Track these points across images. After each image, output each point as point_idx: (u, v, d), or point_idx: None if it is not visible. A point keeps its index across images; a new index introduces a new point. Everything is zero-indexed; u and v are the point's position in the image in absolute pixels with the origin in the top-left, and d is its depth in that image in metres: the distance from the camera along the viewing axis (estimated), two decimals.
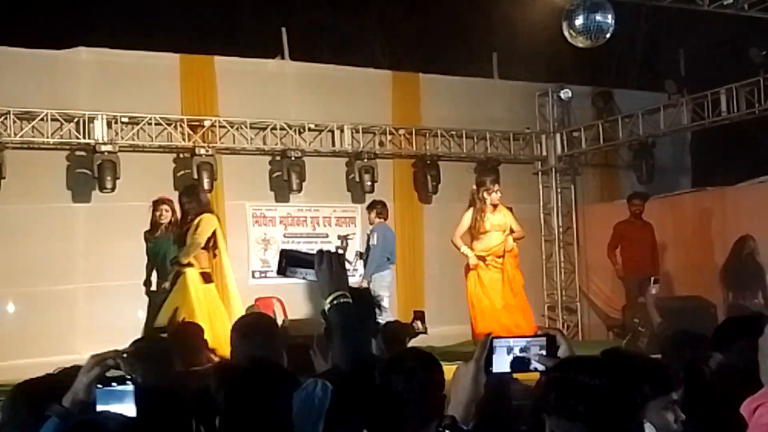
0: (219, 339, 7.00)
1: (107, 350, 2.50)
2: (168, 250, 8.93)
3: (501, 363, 2.16)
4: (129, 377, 2.40)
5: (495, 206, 10.02)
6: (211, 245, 8.46)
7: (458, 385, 2.09)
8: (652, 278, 10.83)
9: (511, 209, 12.05)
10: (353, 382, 2.79)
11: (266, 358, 3.08)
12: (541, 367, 2.17)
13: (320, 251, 2.75)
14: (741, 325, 3.55)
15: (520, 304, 10.07)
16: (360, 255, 11.33)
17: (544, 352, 2.18)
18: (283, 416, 2.55)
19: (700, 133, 13.71)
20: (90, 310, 10.97)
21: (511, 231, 10.13)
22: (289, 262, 2.83)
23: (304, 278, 2.80)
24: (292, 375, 2.73)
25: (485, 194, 9.91)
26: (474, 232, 10.04)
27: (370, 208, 11.16)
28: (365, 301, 3.81)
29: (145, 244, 9.33)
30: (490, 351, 2.14)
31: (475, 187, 10.28)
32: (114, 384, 2.37)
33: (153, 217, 9.13)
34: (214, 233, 8.40)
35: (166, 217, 9.05)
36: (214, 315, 8.12)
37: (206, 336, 6.91)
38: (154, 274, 9.25)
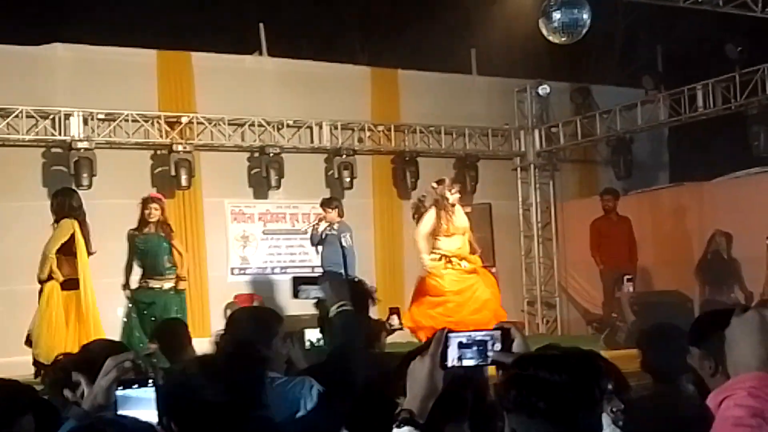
0: (69, 346, 6.84)
1: (126, 352, 2.45)
2: (159, 247, 8.85)
3: (456, 357, 2.16)
4: (150, 379, 2.34)
5: (453, 206, 9.30)
6: (73, 251, 8.03)
7: (414, 380, 2.09)
8: (625, 277, 10.92)
9: (489, 205, 12.12)
10: (344, 375, 3.22)
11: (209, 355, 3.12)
12: (500, 360, 2.17)
13: (324, 272, 3.37)
14: (716, 319, 3.55)
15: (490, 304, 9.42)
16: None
17: (499, 346, 2.19)
18: (250, 399, 2.52)
19: (677, 128, 13.79)
20: None
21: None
22: (301, 282, 3.55)
23: (310, 297, 3.52)
24: (259, 359, 2.74)
25: (447, 192, 9.21)
26: (437, 233, 9.28)
27: (331, 205, 10.14)
28: (361, 294, 3.94)
29: (128, 242, 9.03)
30: (446, 345, 2.14)
31: (434, 185, 9.44)
32: (134, 386, 2.33)
33: (141, 215, 8.91)
34: (72, 238, 7.97)
35: (155, 215, 8.88)
36: (70, 321, 7.89)
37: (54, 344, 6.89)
38: (134, 275, 9.09)
